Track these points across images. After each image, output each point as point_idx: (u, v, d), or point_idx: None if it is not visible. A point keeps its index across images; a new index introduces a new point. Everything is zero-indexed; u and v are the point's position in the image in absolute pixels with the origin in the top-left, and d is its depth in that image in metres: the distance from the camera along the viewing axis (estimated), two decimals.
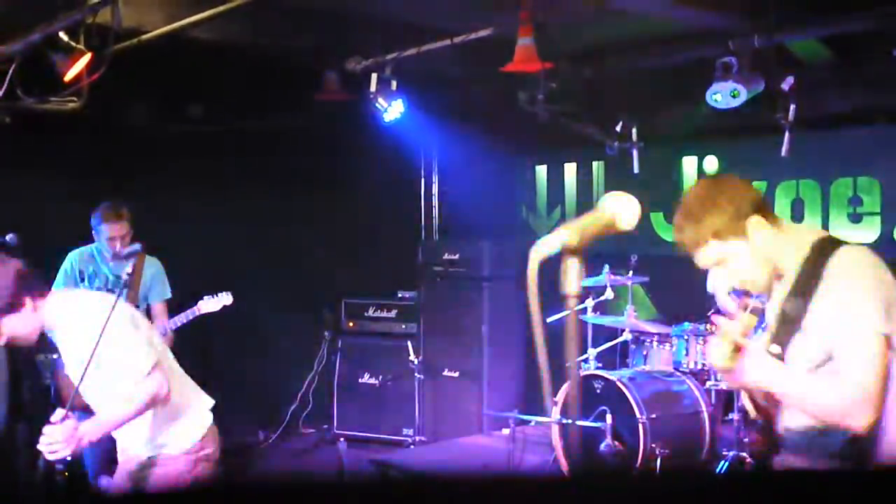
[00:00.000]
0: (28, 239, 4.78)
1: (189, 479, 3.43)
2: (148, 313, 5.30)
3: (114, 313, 3.23)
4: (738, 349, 2.42)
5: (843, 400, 2.38)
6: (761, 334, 2.62)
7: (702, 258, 2.56)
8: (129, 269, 3.48)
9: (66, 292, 3.46)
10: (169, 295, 5.46)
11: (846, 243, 2.53)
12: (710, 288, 2.35)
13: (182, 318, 5.40)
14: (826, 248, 2.49)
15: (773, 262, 2.55)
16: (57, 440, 3.14)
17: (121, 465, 3.61)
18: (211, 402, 3.64)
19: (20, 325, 3.30)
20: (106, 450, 4.05)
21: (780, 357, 2.54)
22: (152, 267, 5.41)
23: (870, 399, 2.35)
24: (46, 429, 3.17)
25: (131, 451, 3.54)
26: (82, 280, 5.25)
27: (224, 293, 5.57)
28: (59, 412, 3.19)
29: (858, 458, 2.46)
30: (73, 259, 5.31)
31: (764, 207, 2.55)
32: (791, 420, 2.60)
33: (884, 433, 2.44)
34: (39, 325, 3.35)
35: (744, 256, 2.52)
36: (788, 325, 2.52)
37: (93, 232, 5.22)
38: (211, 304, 5.54)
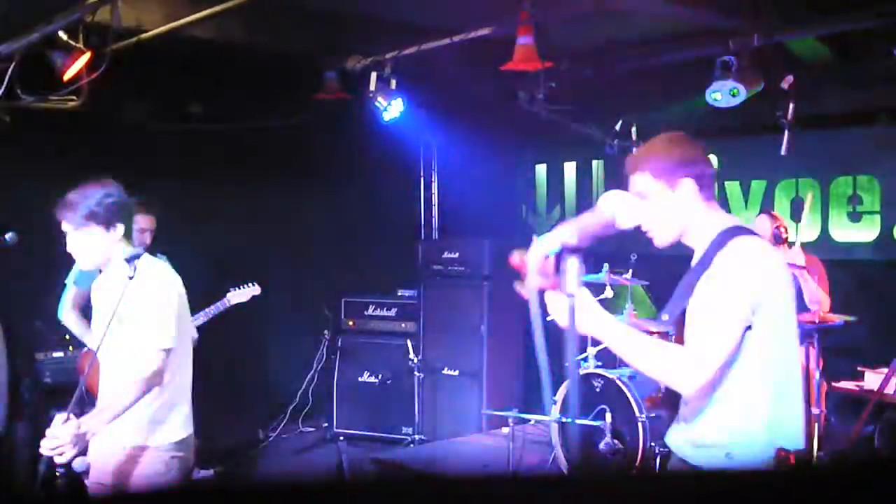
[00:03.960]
0: (28, 237, 4.77)
1: (165, 480, 3.38)
2: None
3: (175, 286, 3.42)
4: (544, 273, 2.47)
5: (674, 363, 2.56)
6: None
7: (632, 183, 2.74)
8: (129, 273, 3.46)
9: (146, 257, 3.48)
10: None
11: (746, 234, 2.67)
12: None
13: (212, 310, 5.51)
14: (727, 234, 2.65)
15: (682, 229, 2.72)
16: (64, 442, 3.12)
17: (103, 449, 3.43)
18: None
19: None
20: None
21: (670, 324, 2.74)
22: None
23: (700, 369, 2.53)
24: (50, 431, 3.14)
25: (122, 436, 3.40)
26: None
27: (251, 284, 5.67)
28: (61, 416, 3.17)
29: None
30: None
31: (705, 182, 2.71)
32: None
33: (721, 408, 2.60)
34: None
35: (662, 205, 2.69)
36: (679, 298, 2.69)
37: None
38: (240, 294, 5.65)
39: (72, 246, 3.47)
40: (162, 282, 3.44)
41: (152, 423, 3.41)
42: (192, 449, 3.56)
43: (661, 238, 2.75)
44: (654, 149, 2.76)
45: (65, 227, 3.44)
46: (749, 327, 2.55)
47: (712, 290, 2.58)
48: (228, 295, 5.68)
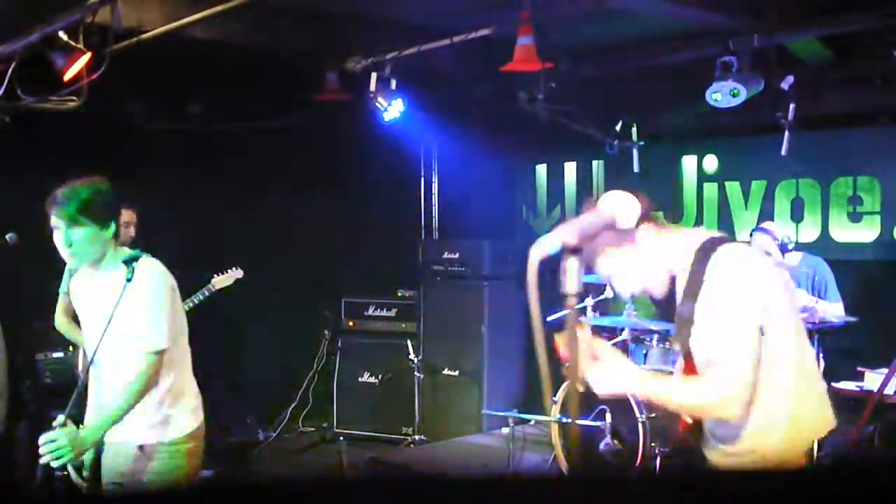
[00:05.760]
0: (28, 238, 4.78)
1: (182, 473, 3.40)
2: None
3: (163, 282, 3.34)
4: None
5: (712, 393, 2.52)
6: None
7: (601, 267, 2.70)
8: (127, 275, 3.44)
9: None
10: None
11: (727, 241, 2.63)
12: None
13: (199, 297, 5.53)
14: (708, 248, 2.59)
15: (665, 266, 2.67)
16: (62, 445, 3.10)
17: (115, 451, 3.46)
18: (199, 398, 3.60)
19: None
20: None
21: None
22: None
23: (742, 391, 2.49)
24: (49, 434, 3.12)
25: (133, 436, 3.43)
26: None
27: (234, 267, 5.69)
28: (60, 418, 3.16)
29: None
30: None
31: (650, 212, 2.64)
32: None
33: (752, 415, 2.57)
34: None
35: (637, 263, 2.66)
36: (685, 326, 2.62)
37: None
38: (224, 279, 5.67)
39: (63, 241, 3.27)
40: (157, 282, 3.35)
41: (161, 420, 3.41)
42: (203, 439, 3.54)
43: (658, 287, 2.72)
44: (590, 227, 2.48)
45: (55, 222, 3.26)
46: (762, 331, 2.51)
47: (719, 303, 2.52)
48: (213, 280, 5.69)
